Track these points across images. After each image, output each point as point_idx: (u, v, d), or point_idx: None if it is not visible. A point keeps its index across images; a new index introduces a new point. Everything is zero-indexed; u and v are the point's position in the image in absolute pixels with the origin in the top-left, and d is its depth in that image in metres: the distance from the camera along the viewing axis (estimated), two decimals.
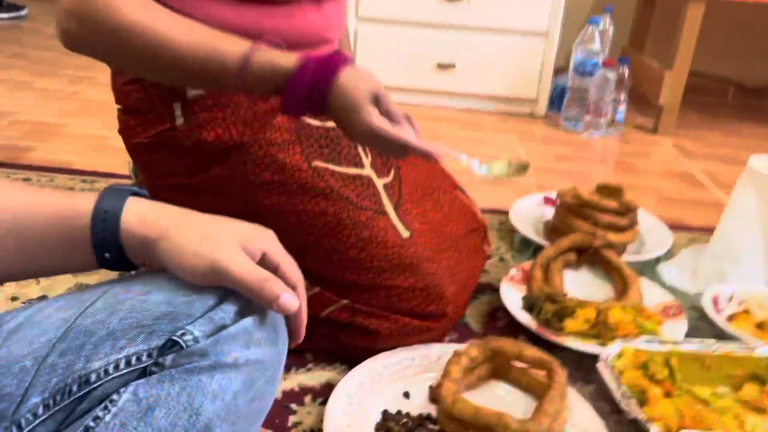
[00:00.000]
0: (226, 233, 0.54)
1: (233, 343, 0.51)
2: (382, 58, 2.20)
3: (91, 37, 0.74)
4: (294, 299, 0.53)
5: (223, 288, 0.53)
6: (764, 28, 2.59)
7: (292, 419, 0.85)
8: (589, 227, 1.23)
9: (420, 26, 2.20)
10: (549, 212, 1.37)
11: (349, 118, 0.76)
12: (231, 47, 0.74)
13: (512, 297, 1.06)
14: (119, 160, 1.49)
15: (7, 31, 2.95)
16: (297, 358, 0.95)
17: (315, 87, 0.74)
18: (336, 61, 0.75)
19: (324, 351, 0.97)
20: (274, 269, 0.54)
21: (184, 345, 0.49)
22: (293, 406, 0.88)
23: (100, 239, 0.53)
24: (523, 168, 0.82)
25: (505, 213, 1.40)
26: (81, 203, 0.54)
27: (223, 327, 0.51)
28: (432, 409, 0.84)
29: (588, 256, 1.18)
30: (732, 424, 0.81)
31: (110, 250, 0.53)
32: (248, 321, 0.52)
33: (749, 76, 2.69)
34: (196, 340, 0.50)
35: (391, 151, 0.79)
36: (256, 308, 0.53)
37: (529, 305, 1.01)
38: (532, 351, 0.88)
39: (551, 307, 0.97)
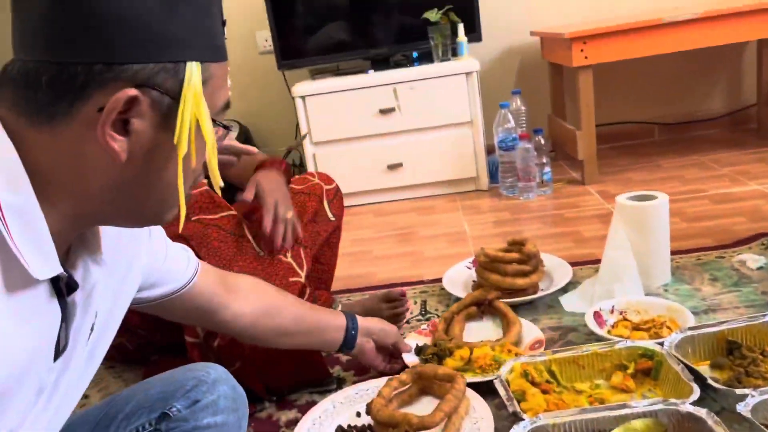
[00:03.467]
0: (387, 325, 1.28)
1: (205, 411, 0.85)
2: (340, 170, 2.58)
3: None
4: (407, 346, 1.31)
5: (197, 378, 0.87)
6: (668, 72, 2.96)
7: None
8: (500, 278, 1.53)
9: (365, 139, 2.60)
10: (475, 273, 1.68)
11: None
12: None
13: (409, 344, 1.34)
14: None
15: None
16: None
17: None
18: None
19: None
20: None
21: (171, 415, 0.83)
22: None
23: (352, 329, 1.19)
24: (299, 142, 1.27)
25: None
26: (339, 314, 1.21)
27: (197, 401, 0.85)
28: None
29: (487, 308, 1.47)
30: (585, 402, 1.08)
31: (353, 335, 1.19)
32: (214, 396, 0.86)
33: (670, 114, 3.04)
34: (179, 411, 0.84)
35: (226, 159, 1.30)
36: (220, 387, 0.87)
37: (418, 350, 1.31)
38: (443, 369, 1.17)
39: (432, 349, 1.27)
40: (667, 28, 2.27)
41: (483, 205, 2.47)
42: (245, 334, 1.07)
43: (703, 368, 1.15)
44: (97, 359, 0.75)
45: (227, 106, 0.66)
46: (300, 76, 2.94)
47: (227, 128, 0.67)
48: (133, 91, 0.55)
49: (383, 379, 1.21)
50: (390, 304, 1.55)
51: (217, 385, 0.86)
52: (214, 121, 0.62)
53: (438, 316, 1.58)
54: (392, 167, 2.61)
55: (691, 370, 1.08)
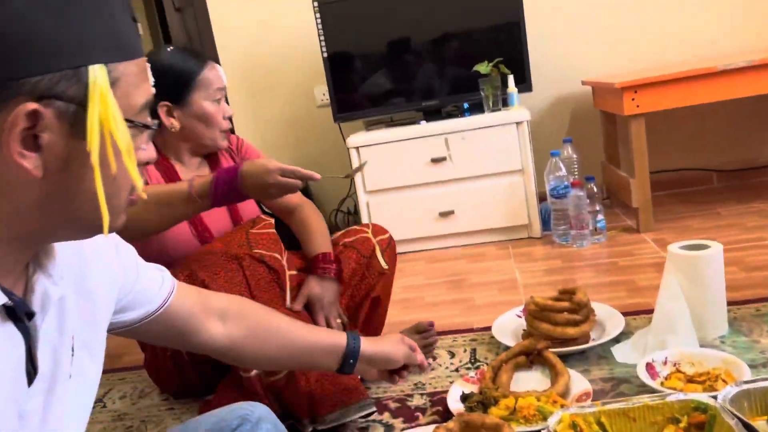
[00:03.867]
0: (397, 339, 1.23)
1: None
2: (393, 218, 2.64)
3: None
4: (423, 357, 1.25)
5: (242, 416, 0.91)
6: (725, 119, 2.92)
7: None
8: (550, 327, 1.53)
9: (418, 187, 2.66)
10: (525, 321, 1.68)
11: (257, 172, 1.24)
12: (179, 185, 1.31)
13: (456, 391, 1.35)
14: None
15: None
16: None
17: (229, 175, 1.25)
18: (235, 165, 1.27)
19: None
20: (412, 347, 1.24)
21: None
22: None
23: (349, 355, 1.14)
24: (362, 165, 1.41)
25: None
26: (340, 338, 1.15)
27: None
28: None
29: (536, 357, 1.47)
30: None
31: (352, 359, 1.14)
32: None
33: (729, 160, 2.98)
34: None
35: (291, 183, 1.26)
36: (263, 426, 0.91)
37: (464, 397, 1.31)
38: (491, 418, 1.17)
39: (478, 397, 1.27)
40: (721, 76, 2.26)
41: (535, 252, 2.46)
42: (227, 355, 1.06)
43: (760, 423, 1.11)
44: (89, 384, 0.76)
45: (148, 104, 0.64)
46: (355, 127, 3.04)
47: (148, 127, 0.64)
48: (32, 105, 0.54)
49: (431, 427, 1.23)
50: (421, 335, 1.63)
51: (261, 424, 0.90)
52: (131, 121, 0.61)
53: (487, 365, 1.58)
54: (444, 215, 2.65)
55: (747, 426, 1.05)
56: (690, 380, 1.31)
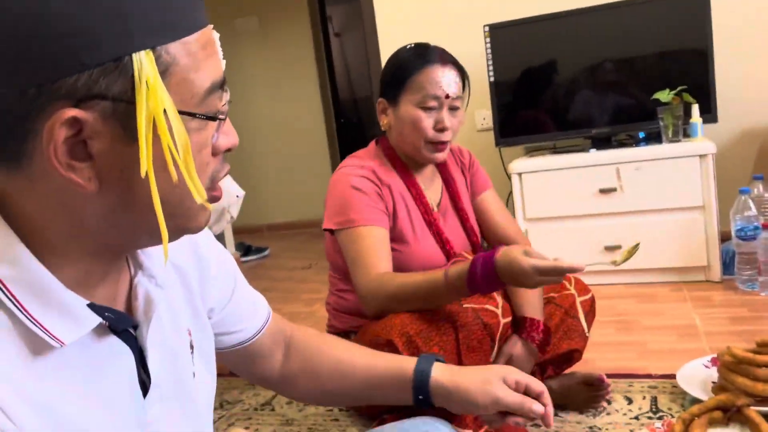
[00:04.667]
0: (493, 377, 0.86)
1: None
2: (553, 248, 2.49)
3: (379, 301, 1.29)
4: (540, 407, 0.84)
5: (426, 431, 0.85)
6: None
7: None
8: (749, 383, 1.36)
9: (582, 218, 2.53)
10: (716, 373, 1.51)
11: (513, 272, 1.13)
12: (435, 274, 1.25)
13: None
14: None
15: (255, 269, 3.79)
16: None
17: (485, 271, 1.15)
18: (491, 253, 1.18)
19: None
20: (524, 388, 0.86)
21: None
22: None
23: (418, 388, 0.87)
24: (634, 248, 1.16)
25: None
26: (406, 364, 0.89)
27: None
28: None
29: (735, 415, 1.31)
30: None
31: (422, 395, 0.87)
32: None
33: None
34: None
35: (552, 279, 1.15)
36: None
37: None
38: None
39: None
40: None
41: (715, 297, 2.24)
42: (279, 388, 0.94)
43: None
44: (211, 374, 0.73)
45: (217, 85, 0.53)
46: (514, 153, 2.98)
47: (214, 119, 0.54)
48: (70, 112, 0.46)
49: None
50: (590, 387, 1.48)
51: None
52: (193, 114, 0.51)
53: (672, 416, 1.44)
54: (610, 248, 2.49)
55: None
56: None
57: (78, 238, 0.53)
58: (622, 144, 2.64)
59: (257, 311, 0.86)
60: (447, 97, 1.39)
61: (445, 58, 1.42)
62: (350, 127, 5.59)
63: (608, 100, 2.71)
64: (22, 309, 0.50)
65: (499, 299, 1.36)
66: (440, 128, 1.40)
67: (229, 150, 0.58)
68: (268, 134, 5.02)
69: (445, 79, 1.39)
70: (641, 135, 2.62)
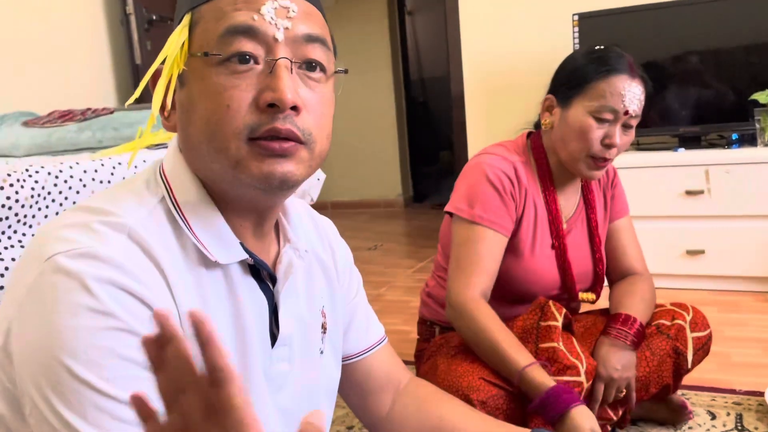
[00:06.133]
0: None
1: None
2: None
3: (460, 323, 1.23)
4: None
5: None
6: None
7: None
8: None
9: (663, 219, 2.45)
10: None
11: None
12: (517, 357, 1.13)
13: None
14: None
15: None
16: None
17: (552, 408, 1.07)
18: (572, 398, 1.07)
19: None
20: None
21: None
22: None
23: None
24: None
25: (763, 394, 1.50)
26: None
27: None
28: None
29: None
30: None
31: None
32: None
33: None
34: None
35: None
36: None
37: None
38: None
39: None
40: None
41: None
42: None
43: None
44: (337, 364, 0.78)
45: (233, 29, 0.61)
46: None
47: (224, 58, 0.62)
48: None
49: None
50: (669, 408, 1.44)
51: None
52: (205, 54, 0.62)
53: None
54: (692, 253, 2.41)
55: None
56: None
57: (208, 181, 0.66)
58: (712, 145, 2.53)
59: (369, 328, 0.90)
60: (626, 113, 1.25)
61: (635, 70, 1.28)
62: (417, 107, 5.55)
63: (698, 97, 2.59)
64: (189, 228, 0.64)
65: (581, 365, 1.17)
66: (608, 143, 1.26)
67: (273, 105, 0.61)
68: (339, 112, 5.02)
69: (629, 94, 1.25)
70: (735, 137, 2.50)
